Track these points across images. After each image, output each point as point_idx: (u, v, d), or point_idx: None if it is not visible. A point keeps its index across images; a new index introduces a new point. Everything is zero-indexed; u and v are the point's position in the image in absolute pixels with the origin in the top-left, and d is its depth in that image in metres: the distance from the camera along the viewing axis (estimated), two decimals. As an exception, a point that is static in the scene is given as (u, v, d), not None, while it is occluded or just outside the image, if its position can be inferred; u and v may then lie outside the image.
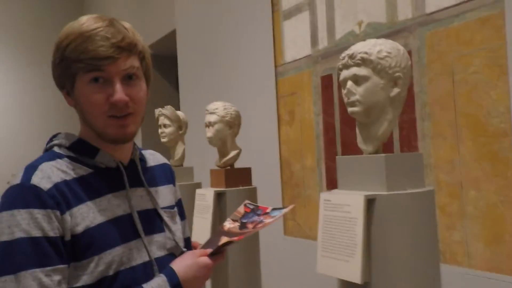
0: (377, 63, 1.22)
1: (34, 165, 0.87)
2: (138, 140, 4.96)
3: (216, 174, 1.97)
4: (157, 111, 2.48)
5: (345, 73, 1.28)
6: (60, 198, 0.84)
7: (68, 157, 0.91)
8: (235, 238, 0.97)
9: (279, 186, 2.57)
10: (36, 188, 0.83)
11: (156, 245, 0.94)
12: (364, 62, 1.23)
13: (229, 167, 1.98)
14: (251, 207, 1.11)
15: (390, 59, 1.22)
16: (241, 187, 1.94)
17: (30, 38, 6.00)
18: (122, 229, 0.89)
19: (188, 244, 1.11)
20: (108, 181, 0.92)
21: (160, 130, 2.47)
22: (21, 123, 6.04)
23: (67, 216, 0.83)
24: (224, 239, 0.96)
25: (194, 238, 2.02)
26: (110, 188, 0.92)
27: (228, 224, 1.08)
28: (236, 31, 2.95)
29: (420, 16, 1.77)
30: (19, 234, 0.80)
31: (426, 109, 1.75)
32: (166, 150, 5.14)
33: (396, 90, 1.24)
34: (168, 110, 2.45)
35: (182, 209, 1.12)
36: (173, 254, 0.97)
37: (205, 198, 1.91)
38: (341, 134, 2.16)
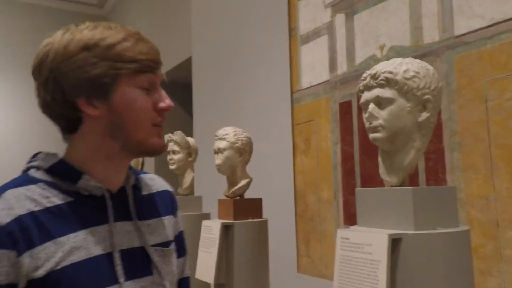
0: (403, 83, 1.09)
1: None
2: (150, 167, 4.87)
3: (224, 205, 1.82)
4: (167, 137, 2.38)
5: (366, 95, 1.15)
6: (19, 235, 0.71)
7: (45, 182, 0.78)
8: None
9: (292, 219, 2.41)
10: None
11: None
12: (389, 82, 1.10)
13: (238, 198, 1.84)
14: None
15: (418, 80, 1.09)
16: (250, 220, 1.79)
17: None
18: (97, 273, 0.76)
19: (187, 285, 0.98)
20: (89, 212, 0.79)
21: (168, 157, 2.36)
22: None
23: (25, 258, 0.70)
24: None
25: (198, 274, 1.87)
26: (90, 221, 0.79)
27: None
28: (252, 57, 2.87)
29: (448, 39, 1.64)
30: None
31: (456, 138, 1.59)
32: (175, 178, 5.03)
33: (425, 115, 1.10)
34: (177, 136, 2.34)
35: (183, 244, 0.98)
36: None
37: (211, 230, 1.76)
38: (360, 164, 2.01)
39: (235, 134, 1.82)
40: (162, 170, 4.80)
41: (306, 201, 2.35)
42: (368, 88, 1.15)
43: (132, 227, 0.84)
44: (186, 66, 4.28)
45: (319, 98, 2.27)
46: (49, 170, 0.79)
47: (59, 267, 0.72)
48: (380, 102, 1.11)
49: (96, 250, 0.77)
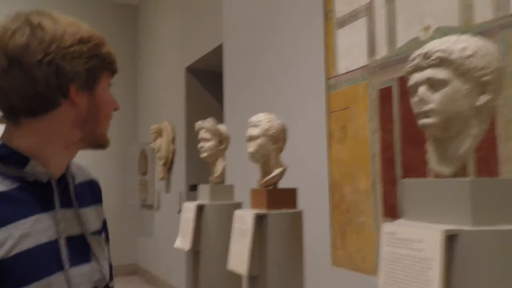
0: (459, 63, 0.98)
1: None
2: (181, 156, 4.85)
3: (257, 194, 1.76)
4: (197, 124, 2.33)
5: (416, 77, 1.05)
6: None
7: None
8: None
9: (327, 211, 2.32)
10: None
11: (80, 278, 0.83)
12: (443, 62, 1.00)
13: (271, 187, 1.77)
14: None
15: (476, 59, 0.98)
16: (284, 210, 1.71)
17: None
18: (44, 260, 0.78)
19: (111, 272, 1.00)
20: (34, 199, 0.80)
21: (199, 145, 2.31)
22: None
23: None
24: None
25: (231, 265, 1.82)
26: (36, 207, 0.80)
27: None
28: (285, 42, 2.77)
29: (503, 18, 1.50)
30: None
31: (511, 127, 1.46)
32: (204, 166, 4.98)
33: (483, 98, 0.99)
34: (208, 123, 2.29)
35: (107, 232, 1.03)
36: None
37: (244, 220, 1.70)
38: (402, 154, 1.89)
39: (268, 121, 1.74)
40: (191, 158, 4.80)
41: (342, 191, 2.25)
42: (418, 69, 1.04)
43: (73, 214, 0.87)
44: (216, 54, 4.21)
45: (357, 84, 2.16)
46: None
47: (10, 254, 0.72)
48: (433, 84, 1.01)
49: (43, 238, 0.78)
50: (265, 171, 1.77)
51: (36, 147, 0.81)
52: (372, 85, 2.06)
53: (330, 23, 2.36)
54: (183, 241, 2.20)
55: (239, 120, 3.12)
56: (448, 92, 0.99)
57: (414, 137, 1.83)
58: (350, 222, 2.19)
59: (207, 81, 4.96)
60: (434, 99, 1.01)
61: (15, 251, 0.73)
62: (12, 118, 0.82)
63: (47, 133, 0.82)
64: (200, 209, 2.21)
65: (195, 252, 2.20)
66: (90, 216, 0.92)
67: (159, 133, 5.19)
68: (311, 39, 2.50)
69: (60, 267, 0.79)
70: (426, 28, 1.79)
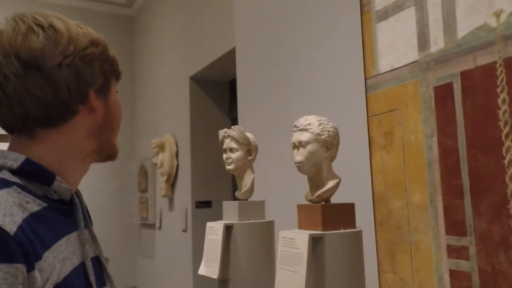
0: None
1: None
2: (186, 171, 4.53)
3: (308, 211, 1.47)
4: (222, 132, 2.04)
5: None
6: (28, 246, 0.63)
7: (17, 185, 0.70)
8: None
9: (371, 228, 2.03)
10: (0, 230, 0.61)
11: None
12: None
13: (324, 203, 1.48)
14: None
15: None
16: (343, 230, 1.43)
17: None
18: (79, 284, 0.75)
19: None
20: (60, 218, 0.76)
21: (225, 156, 2.02)
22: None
23: (36, 272, 0.64)
24: None
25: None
26: (64, 228, 0.76)
27: None
28: (312, 41, 2.51)
29: None
30: None
31: None
32: (211, 182, 4.68)
33: None
34: (235, 131, 2.00)
35: None
36: None
37: (295, 243, 1.41)
38: (469, 160, 1.62)
39: (320, 124, 1.47)
40: (197, 173, 4.49)
41: (389, 206, 1.97)
42: None
43: (89, 235, 0.84)
44: (224, 60, 3.97)
45: (405, 83, 1.90)
46: (18, 171, 0.71)
47: (59, 279, 0.68)
48: None
49: (75, 260, 0.75)
50: (316, 184, 1.48)
51: (56, 162, 0.76)
52: (426, 82, 1.80)
53: (368, 17, 2.11)
54: (209, 268, 1.90)
55: (256, 130, 2.83)
56: None
57: (485, 140, 1.57)
58: (400, 241, 1.91)
59: (213, 91, 4.69)
60: None
61: (63, 275, 0.70)
62: (27, 130, 0.75)
63: (65, 145, 0.77)
64: (228, 229, 1.91)
65: (223, 281, 1.89)
66: (95, 236, 0.89)
67: (161, 147, 4.89)
68: (345, 36, 2.25)
69: None
70: (498, 13, 1.54)
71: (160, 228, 5.25)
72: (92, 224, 0.92)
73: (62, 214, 0.76)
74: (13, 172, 0.71)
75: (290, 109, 2.67)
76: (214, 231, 1.95)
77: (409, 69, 1.88)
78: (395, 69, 1.96)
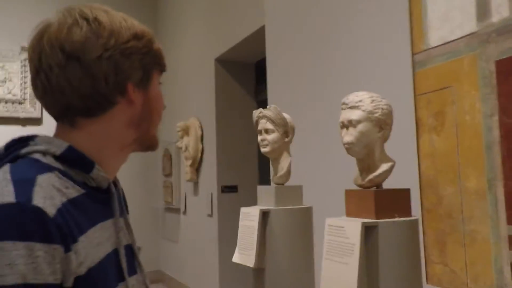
0: None
1: (28, 177, 0.67)
2: (211, 155, 4.43)
3: (359, 198, 1.33)
4: (257, 113, 1.91)
5: None
6: (66, 229, 0.65)
7: (59, 170, 0.72)
8: None
9: (418, 216, 1.88)
10: (40, 212, 0.62)
11: None
12: None
13: (375, 188, 1.34)
14: None
15: None
16: (398, 218, 1.29)
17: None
18: (112, 270, 0.76)
19: None
20: (98, 205, 0.78)
21: (260, 137, 1.89)
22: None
23: (72, 254, 0.65)
24: None
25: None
26: (100, 215, 0.77)
27: None
28: (351, 14, 2.34)
29: None
30: (12, 279, 0.58)
31: None
32: (236, 166, 4.56)
33: None
34: (271, 111, 1.87)
35: None
36: None
37: (345, 233, 1.28)
38: (537, 142, 1.45)
39: (372, 101, 1.32)
40: (222, 157, 4.39)
41: (438, 192, 1.82)
42: None
43: (124, 223, 0.85)
44: (251, 41, 3.82)
45: (460, 57, 1.73)
46: (60, 157, 0.74)
47: (93, 264, 0.70)
48: None
49: (109, 247, 0.76)
50: (368, 167, 1.34)
51: (95, 150, 0.78)
52: (486, 56, 1.62)
53: (417, -14, 1.93)
54: (244, 256, 1.79)
55: (288, 112, 2.71)
56: None
57: (558, 119, 1.39)
58: (452, 231, 1.75)
59: (239, 73, 4.55)
60: None
61: (97, 259, 0.71)
62: (69, 118, 0.78)
63: (104, 134, 0.80)
64: (264, 215, 1.80)
65: (259, 270, 1.78)
66: (130, 225, 0.90)
67: (186, 131, 4.80)
68: (388, 7, 2.07)
69: (121, 278, 0.78)
70: None
71: (185, 212, 5.20)
72: (128, 213, 0.94)
73: (99, 201, 0.78)
74: (56, 158, 0.74)
75: (326, 88, 2.51)
76: (249, 217, 1.83)
77: (466, 42, 1.70)
78: (449, 42, 1.78)
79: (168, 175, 5.52)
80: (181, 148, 4.88)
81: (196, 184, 4.87)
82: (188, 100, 5.13)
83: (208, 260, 4.51)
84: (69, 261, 0.65)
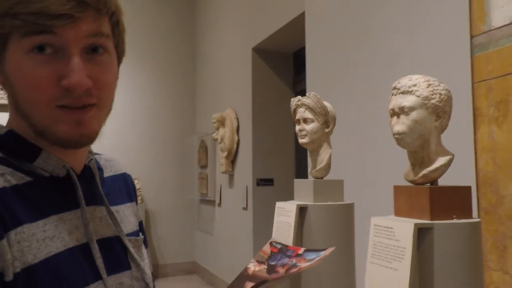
0: None
1: None
2: (247, 147, 4.34)
3: (411, 195, 1.18)
4: (295, 101, 1.78)
5: None
6: None
7: None
8: (272, 279, 0.76)
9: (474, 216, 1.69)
10: None
11: None
12: None
13: (430, 185, 1.18)
14: (278, 246, 0.94)
15: None
16: (456, 220, 1.12)
17: (142, 42, 5.79)
18: (77, 268, 0.65)
19: (152, 279, 0.81)
20: (53, 195, 0.67)
21: (298, 127, 1.76)
22: (131, 129, 5.81)
23: (4, 242, 0.57)
24: (249, 285, 0.75)
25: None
26: (56, 205, 0.67)
27: (252, 267, 0.91)
28: (399, -4, 2.15)
29: None
30: None
31: None
32: (273, 159, 4.45)
33: None
34: (311, 99, 1.73)
35: (145, 235, 0.86)
36: None
37: (393, 234, 1.13)
38: None
39: (428, 85, 1.15)
40: (258, 149, 4.28)
41: (499, 191, 1.62)
42: None
43: (104, 212, 0.75)
44: (289, 29, 3.67)
45: (529, 39, 1.52)
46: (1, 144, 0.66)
47: (34, 261, 0.60)
48: None
49: (71, 241, 0.66)
50: (422, 160, 1.18)
51: (30, 137, 0.68)
52: (562, 36, 1.41)
53: (478, -40, 1.72)
54: (279, 254, 1.66)
55: (327, 101, 2.55)
56: None
57: None
58: (514, 234, 1.56)
59: (276, 63, 4.41)
60: None
61: (43, 256, 0.61)
62: None
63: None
64: (301, 211, 1.66)
65: (295, 268, 1.65)
66: (125, 215, 0.81)
67: (221, 122, 4.72)
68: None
69: (97, 276, 0.68)
70: None
71: (220, 204, 5.14)
72: (133, 201, 0.87)
73: (56, 190, 0.68)
74: None
75: (371, 75, 2.33)
76: (285, 212, 1.71)
77: (536, 21, 1.49)
78: (515, 22, 1.57)
79: (204, 166, 5.48)
80: (216, 139, 4.82)
81: (231, 176, 4.79)
82: (225, 91, 5.05)
83: (243, 254, 4.43)
84: (3, 250, 0.57)
